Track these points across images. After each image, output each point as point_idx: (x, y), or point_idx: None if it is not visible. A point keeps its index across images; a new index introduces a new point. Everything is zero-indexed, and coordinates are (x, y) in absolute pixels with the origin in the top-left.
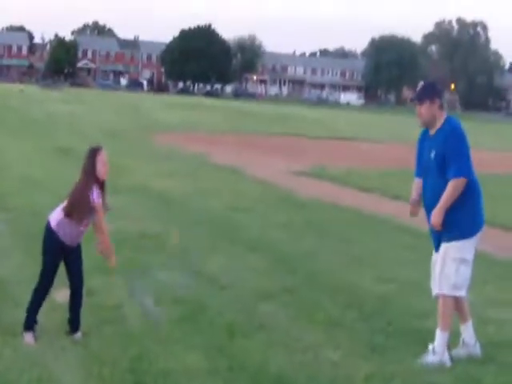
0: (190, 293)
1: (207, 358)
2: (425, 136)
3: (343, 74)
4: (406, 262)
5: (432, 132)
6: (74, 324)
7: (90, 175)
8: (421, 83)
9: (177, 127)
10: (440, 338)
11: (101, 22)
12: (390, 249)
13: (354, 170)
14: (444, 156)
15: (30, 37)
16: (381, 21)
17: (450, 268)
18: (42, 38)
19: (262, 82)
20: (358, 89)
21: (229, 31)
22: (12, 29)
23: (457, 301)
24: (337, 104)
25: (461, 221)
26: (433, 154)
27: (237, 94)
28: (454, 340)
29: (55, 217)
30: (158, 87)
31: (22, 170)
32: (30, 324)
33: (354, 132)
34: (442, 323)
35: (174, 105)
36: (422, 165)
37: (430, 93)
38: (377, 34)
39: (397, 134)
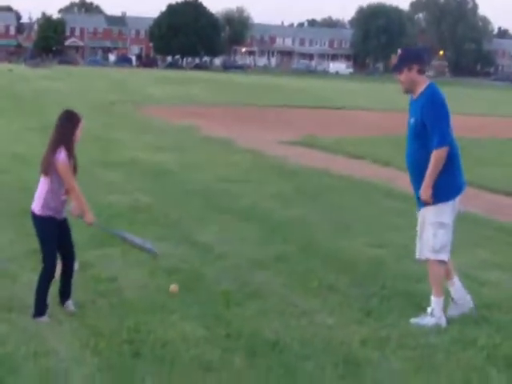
0: (185, 263)
1: (204, 327)
2: (411, 101)
3: (331, 44)
4: (398, 227)
5: (415, 96)
6: (66, 294)
7: (67, 138)
8: (398, 51)
9: (166, 101)
10: (435, 303)
11: (87, 0)
12: (382, 214)
13: (344, 139)
14: (422, 123)
15: (18, 16)
16: None
17: (428, 232)
18: (30, 18)
19: (251, 53)
20: (347, 58)
21: (216, 4)
22: None
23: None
24: (326, 74)
25: (437, 185)
26: (412, 120)
27: (226, 67)
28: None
29: (36, 203)
30: (146, 62)
31: (10, 147)
32: (42, 309)
33: (343, 101)
34: (434, 289)
35: (162, 79)
36: None
37: (407, 59)
38: (364, 3)
39: (385, 101)
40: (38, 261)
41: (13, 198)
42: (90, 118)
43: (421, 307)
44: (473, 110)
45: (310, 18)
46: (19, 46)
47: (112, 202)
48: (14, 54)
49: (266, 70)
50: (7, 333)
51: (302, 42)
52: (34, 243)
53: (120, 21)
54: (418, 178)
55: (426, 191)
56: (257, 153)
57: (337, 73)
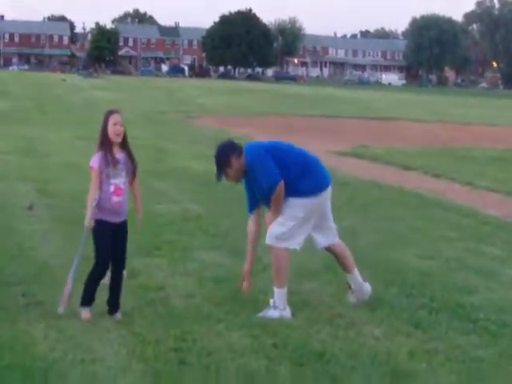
0: (232, 273)
1: (251, 336)
2: None
3: (384, 55)
4: (449, 239)
5: None
6: (114, 305)
7: (101, 137)
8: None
9: (218, 111)
10: (278, 294)
11: (141, 10)
12: (432, 226)
13: (395, 150)
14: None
15: (72, 26)
16: (422, 0)
17: (277, 220)
18: (83, 27)
19: (303, 64)
20: (400, 69)
21: (269, 15)
22: (53, 18)
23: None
24: (378, 85)
25: (300, 186)
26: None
27: (278, 77)
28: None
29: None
30: (199, 72)
31: (63, 156)
32: (88, 300)
33: (395, 112)
34: (276, 280)
35: (214, 89)
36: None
37: (225, 161)
38: (417, 14)
39: (437, 113)
40: (87, 268)
41: (63, 206)
42: (141, 128)
43: (469, 319)
44: None
45: (362, 29)
46: (73, 55)
47: (162, 211)
48: (68, 63)
49: (318, 81)
50: (55, 340)
51: (354, 53)
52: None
53: (173, 31)
54: None
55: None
56: None
57: (389, 84)
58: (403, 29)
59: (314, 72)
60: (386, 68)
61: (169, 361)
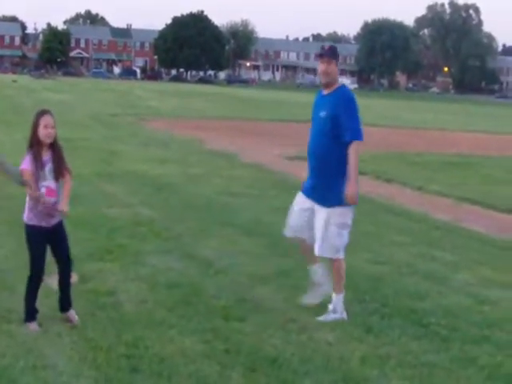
0: (184, 277)
1: (203, 342)
2: (319, 97)
3: None
4: (400, 244)
5: (326, 92)
6: (65, 304)
7: (31, 138)
8: (328, 45)
9: (169, 114)
10: (338, 300)
11: (93, 11)
12: (384, 231)
13: None
14: (334, 118)
15: (23, 27)
16: (373, 5)
17: (333, 232)
18: (35, 28)
19: (255, 67)
20: (352, 73)
21: (221, 17)
22: (4, 19)
23: (305, 245)
24: None
25: (344, 187)
26: (322, 114)
27: (230, 81)
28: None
29: (25, 208)
30: (151, 75)
31: (14, 158)
32: (30, 315)
33: None
34: (336, 286)
35: (166, 92)
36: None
37: (337, 55)
38: (369, 18)
39: (390, 117)
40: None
41: (15, 209)
42: (92, 130)
43: (421, 324)
44: (479, 128)
45: (315, 32)
46: (24, 56)
47: (113, 215)
48: (19, 64)
49: (270, 84)
50: (6, 345)
51: (306, 57)
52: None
53: (125, 33)
54: (322, 170)
55: (353, 187)
56: (260, 167)
57: None
58: (355, 33)
59: (266, 75)
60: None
61: (121, 368)
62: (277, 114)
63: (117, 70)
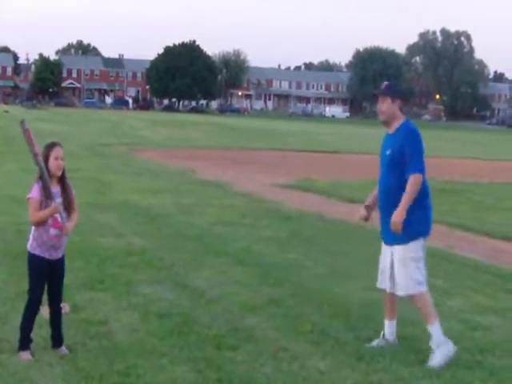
0: (176, 307)
1: (195, 371)
2: (386, 137)
3: (328, 87)
4: None
5: (390, 131)
6: (57, 340)
7: (41, 171)
8: (385, 82)
9: (161, 144)
10: (434, 330)
11: (85, 41)
12: (376, 259)
13: (340, 183)
14: (399, 154)
15: (15, 57)
16: (365, 33)
17: (411, 267)
18: (27, 59)
19: (247, 96)
20: (344, 102)
21: (213, 47)
22: None
23: (388, 296)
24: (322, 117)
25: (417, 221)
26: (388, 152)
27: (222, 110)
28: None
29: (30, 236)
30: (143, 105)
31: (6, 189)
32: (24, 344)
33: (338, 145)
34: (427, 319)
35: (158, 122)
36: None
37: (393, 92)
38: (361, 47)
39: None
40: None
41: (8, 240)
42: (84, 161)
43: (414, 351)
44: (470, 155)
45: (306, 61)
46: (16, 87)
47: (105, 245)
48: (11, 95)
49: (262, 113)
50: None
51: (298, 86)
52: (27, 285)
53: (117, 63)
54: (391, 207)
55: (400, 215)
56: (252, 196)
57: (333, 116)
58: (347, 61)
59: (258, 104)
60: (330, 100)
61: None
62: (269, 143)
63: (109, 100)
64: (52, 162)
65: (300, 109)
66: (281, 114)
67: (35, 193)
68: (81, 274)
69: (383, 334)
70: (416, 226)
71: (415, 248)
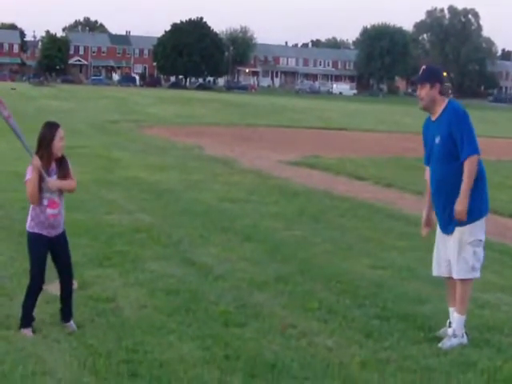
0: (184, 283)
1: (203, 348)
2: (428, 123)
3: (335, 65)
4: (400, 248)
5: (434, 117)
6: (66, 314)
7: (43, 149)
8: (423, 66)
9: (168, 121)
10: (459, 321)
11: (92, 18)
12: (384, 236)
13: (346, 160)
14: (450, 139)
15: (22, 34)
16: (372, 10)
17: (468, 252)
18: (34, 36)
19: (254, 73)
20: (351, 79)
21: (220, 23)
22: (3, 27)
23: (448, 283)
24: (329, 94)
25: (473, 203)
26: (437, 140)
27: (229, 87)
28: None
29: (28, 216)
30: (150, 82)
31: (13, 166)
32: (26, 322)
33: (346, 122)
34: (460, 307)
35: (165, 99)
36: (428, 152)
37: (431, 76)
38: (368, 24)
39: (389, 123)
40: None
41: (13, 217)
42: (91, 137)
43: (421, 329)
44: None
45: (314, 38)
46: (23, 64)
47: (113, 222)
48: (18, 72)
49: (269, 90)
50: (5, 352)
51: (305, 63)
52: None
53: (124, 40)
54: (447, 193)
55: (463, 203)
56: (259, 173)
57: (340, 93)
58: (354, 38)
59: (265, 81)
60: (337, 77)
61: (120, 373)
62: (276, 120)
63: (116, 77)
64: (57, 144)
65: (307, 86)
66: (288, 90)
67: (29, 174)
68: (88, 250)
69: (449, 323)
70: (471, 210)
71: (473, 231)
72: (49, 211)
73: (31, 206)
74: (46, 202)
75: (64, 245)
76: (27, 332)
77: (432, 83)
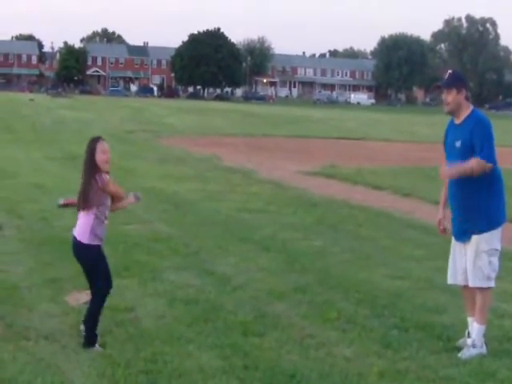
0: (202, 293)
1: (221, 358)
2: (451, 125)
3: (353, 74)
4: (418, 258)
5: (457, 121)
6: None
7: (90, 164)
8: (449, 71)
9: (187, 131)
10: (479, 331)
11: (110, 29)
12: (402, 246)
13: (364, 169)
14: (470, 145)
15: (40, 45)
16: (390, 20)
17: (483, 260)
18: (52, 47)
19: (272, 84)
20: (369, 89)
21: (238, 34)
22: (21, 38)
23: (464, 292)
24: (347, 104)
25: (489, 212)
26: (458, 143)
27: (247, 97)
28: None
29: (83, 235)
30: (168, 92)
31: (32, 177)
32: (94, 339)
33: (364, 132)
34: (480, 316)
35: (183, 109)
36: (447, 153)
37: (458, 81)
38: (386, 34)
39: (407, 132)
40: (55, 290)
41: (33, 227)
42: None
43: (439, 339)
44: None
45: (331, 48)
46: (41, 75)
47: (131, 232)
48: (36, 83)
49: (287, 100)
50: (24, 362)
51: (323, 73)
52: (54, 272)
53: (142, 50)
54: (464, 198)
55: (453, 170)
56: (277, 183)
57: (358, 103)
58: (372, 48)
59: (283, 92)
60: (355, 87)
61: (139, 383)
62: (294, 130)
63: (134, 87)
64: (100, 156)
65: (325, 96)
66: (306, 101)
67: (105, 178)
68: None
69: (468, 333)
70: (489, 218)
71: (489, 240)
72: (106, 222)
73: (89, 216)
74: (107, 214)
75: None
76: (97, 348)
77: (458, 88)
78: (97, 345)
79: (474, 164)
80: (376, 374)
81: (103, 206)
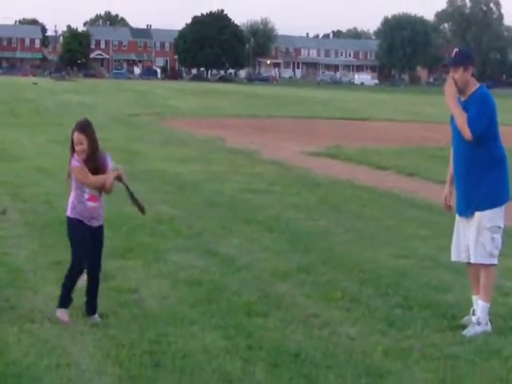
0: (206, 274)
1: (225, 338)
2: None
3: (356, 55)
4: (422, 237)
5: (464, 98)
6: (91, 308)
7: (70, 147)
8: (456, 49)
9: (190, 113)
10: (483, 308)
11: (113, 12)
12: (406, 225)
13: (368, 150)
14: None
15: (43, 29)
16: (393, 0)
17: (486, 237)
18: (55, 31)
19: (276, 65)
20: (372, 69)
21: (241, 16)
22: (25, 22)
23: (469, 269)
24: (351, 85)
25: (493, 189)
26: None
27: (250, 79)
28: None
29: (69, 203)
30: (171, 74)
31: (35, 161)
32: (65, 302)
33: (367, 112)
34: (484, 294)
35: (186, 91)
36: (453, 131)
37: (465, 59)
38: (389, 14)
39: (411, 112)
40: (59, 272)
41: (36, 211)
42: (113, 130)
43: (444, 317)
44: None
45: (335, 29)
46: (44, 59)
47: (134, 214)
48: (40, 67)
49: (291, 81)
50: (29, 344)
51: (327, 54)
52: (57, 255)
53: (145, 33)
54: (468, 174)
55: (450, 99)
56: (281, 164)
57: (362, 84)
58: (375, 29)
59: (287, 73)
60: (359, 68)
61: (143, 364)
62: (297, 111)
63: (137, 70)
64: (76, 148)
65: (328, 76)
66: (309, 81)
67: (76, 162)
68: (110, 242)
69: (473, 310)
70: (492, 195)
71: (492, 217)
72: (90, 203)
73: (72, 195)
74: (86, 196)
75: (100, 237)
76: (63, 312)
77: (465, 66)
78: (96, 315)
79: (459, 114)
80: (380, 352)
81: (80, 190)
